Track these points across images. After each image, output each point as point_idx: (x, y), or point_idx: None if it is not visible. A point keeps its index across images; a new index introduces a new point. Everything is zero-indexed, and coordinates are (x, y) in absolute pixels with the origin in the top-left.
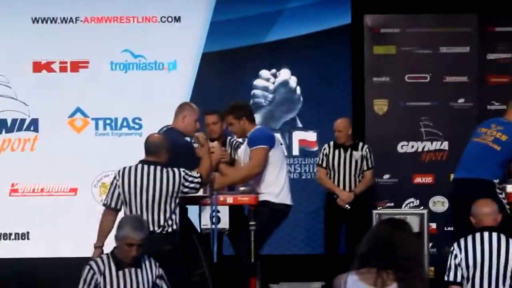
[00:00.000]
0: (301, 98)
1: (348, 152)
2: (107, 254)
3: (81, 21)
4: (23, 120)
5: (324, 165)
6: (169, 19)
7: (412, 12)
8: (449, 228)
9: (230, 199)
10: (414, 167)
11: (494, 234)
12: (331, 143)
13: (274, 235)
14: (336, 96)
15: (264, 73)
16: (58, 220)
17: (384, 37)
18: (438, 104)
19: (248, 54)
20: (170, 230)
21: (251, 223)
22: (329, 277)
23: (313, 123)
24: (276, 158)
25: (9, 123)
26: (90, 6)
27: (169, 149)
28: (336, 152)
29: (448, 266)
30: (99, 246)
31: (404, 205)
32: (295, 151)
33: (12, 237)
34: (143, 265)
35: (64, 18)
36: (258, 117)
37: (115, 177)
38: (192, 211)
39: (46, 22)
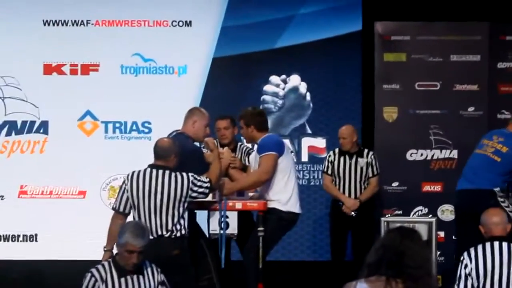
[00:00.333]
0: (311, 104)
1: (353, 159)
2: (108, 261)
3: (92, 24)
4: (33, 122)
5: (329, 172)
6: (180, 23)
7: (423, 20)
8: None
9: (239, 205)
10: (423, 175)
11: (504, 244)
12: (336, 150)
13: (282, 241)
14: (345, 103)
15: (274, 78)
16: (66, 222)
17: (394, 44)
18: (448, 112)
19: (258, 60)
20: (178, 234)
21: (259, 229)
22: (336, 283)
23: (323, 129)
24: (285, 166)
25: (19, 125)
26: (101, 9)
27: (178, 154)
28: (342, 159)
29: (458, 275)
30: (108, 250)
31: (412, 213)
32: (304, 157)
33: (21, 239)
34: (145, 272)
35: (75, 21)
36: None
37: (124, 181)
38: (200, 216)
39: (58, 24)
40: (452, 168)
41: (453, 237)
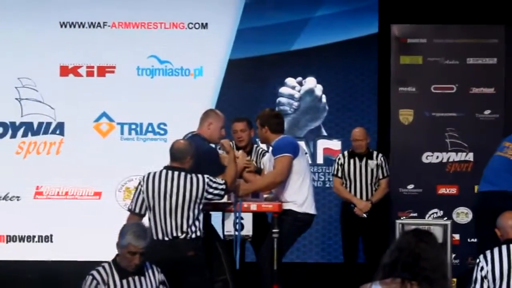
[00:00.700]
0: (327, 107)
1: (363, 161)
2: (108, 262)
3: (109, 26)
4: (49, 124)
5: (339, 175)
6: (196, 25)
7: (440, 23)
8: (472, 240)
9: (254, 206)
10: (439, 178)
11: None
12: (346, 153)
13: (296, 243)
14: (361, 106)
15: (290, 81)
16: (81, 223)
17: (411, 47)
18: (464, 115)
19: (274, 62)
20: (193, 236)
21: (274, 230)
22: (349, 285)
23: (338, 131)
24: (300, 167)
25: (35, 126)
26: (117, 11)
27: (194, 156)
28: (352, 161)
29: (474, 278)
30: None
31: (427, 215)
32: (319, 160)
33: (36, 239)
34: (146, 273)
35: (91, 23)
36: None
37: (139, 183)
38: (215, 217)
39: (74, 26)
40: (467, 171)
41: (468, 239)
